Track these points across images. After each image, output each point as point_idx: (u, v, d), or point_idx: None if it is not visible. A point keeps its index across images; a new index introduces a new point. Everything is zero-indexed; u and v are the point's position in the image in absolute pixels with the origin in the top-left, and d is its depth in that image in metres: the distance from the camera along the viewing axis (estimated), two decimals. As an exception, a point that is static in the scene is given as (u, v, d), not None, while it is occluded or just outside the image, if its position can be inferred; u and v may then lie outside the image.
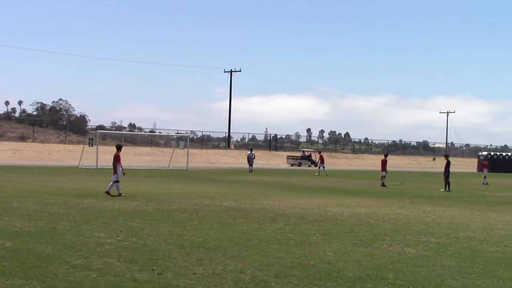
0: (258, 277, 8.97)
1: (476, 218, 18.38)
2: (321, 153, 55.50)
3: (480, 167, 79.56)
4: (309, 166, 73.78)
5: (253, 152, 54.97)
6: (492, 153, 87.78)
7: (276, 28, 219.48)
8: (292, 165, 75.34)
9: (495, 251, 12.19)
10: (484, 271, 9.96)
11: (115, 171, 22.59)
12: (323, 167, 51.78)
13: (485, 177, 43.30)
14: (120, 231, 13.14)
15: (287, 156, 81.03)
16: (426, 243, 12.84)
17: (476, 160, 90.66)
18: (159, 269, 9.26)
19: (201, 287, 8.30)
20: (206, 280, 8.69)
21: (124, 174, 23.32)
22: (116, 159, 22.82)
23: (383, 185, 34.75)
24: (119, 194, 22.13)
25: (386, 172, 35.67)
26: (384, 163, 35.64)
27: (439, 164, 47.00)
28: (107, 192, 22.21)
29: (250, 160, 52.51)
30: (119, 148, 23.72)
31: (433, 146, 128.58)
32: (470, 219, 18.17)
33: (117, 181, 22.47)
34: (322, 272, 9.46)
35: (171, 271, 9.20)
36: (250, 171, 50.59)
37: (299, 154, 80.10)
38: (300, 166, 74.19)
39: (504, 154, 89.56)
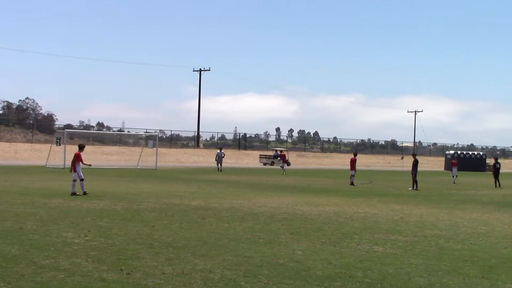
0: (227, 276, 8.97)
1: (443, 216, 18.59)
2: (283, 153, 55.63)
3: (449, 166, 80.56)
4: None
5: (222, 151, 54.82)
6: (459, 152, 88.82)
7: (243, 27, 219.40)
8: (265, 164, 75.41)
9: (462, 248, 12.34)
10: (451, 269, 10.08)
11: (74, 169, 22.33)
12: (282, 166, 52.06)
13: (455, 176, 43.46)
14: (88, 231, 13.04)
15: (259, 155, 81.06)
16: (394, 242, 12.95)
17: (443, 158, 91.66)
18: (127, 269, 9.21)
19: (170, 287, 8.28)
20: (175, 279, 8.66)
21: (90, 165, 23.10)
22: (77, 158, 22.52)
23: (352, 184, 34.96)
24: (73, 193, 21.90)
25: (355, 171, 35.93)
26: (353, 162, 35.88)
27: (407, 163, 47.29)
28: (74, 193, 21.97)
29: (219, 159, 52.37)
30: (81, 147, 23.48)
31: (401, 145, 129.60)
32: (437, 217, 18.38)
33: (81, 179, 22.20)
34: (291, 271, 9.49)
35: (139, 270, 9.16)
36: (220, 170, 50.50)
37: (271, 153, 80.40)
38: (273, 165, 74.36)
39: (470, 153, 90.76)
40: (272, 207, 19.83)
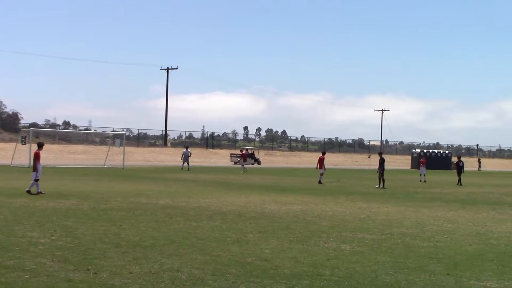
0: (195, 275, 8.95)
1: (410, 214, 18.75)
2: (244, 152, 55.71)
3: (416, 164, 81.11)
4: (252, 164, 74.73)
5: (189, 149, 54.46)
6: (425, 151, 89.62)
7: (209, 25, 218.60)
8: (235, 163, 75.78)
9: (428, 246, 12.47)
10: (417, 266, 10.18)
11: (34, 168, 22.05)
12: (243, 165, 52.10)
13: (424, 175, 43.42)
14: (54, 231, 12.90)
15: (230, 154, 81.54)
16: (361, 240, 13.03)
17: (410, 157, 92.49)
18: (94, 269, 9.13)
19: (137, 286, 8.23)
20: (142, 279, 8.61)
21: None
22: (36, 156, 22.27)
23: (319, 182, 35.09)
24: (39, 192, 21.62)
25: (324, 169, 36.07)
26: (321, 160, 36.00)
27: (374, 162, 47.54)
28: (28, 191, 21.66)
29: (185, 157, 52.05)
30: (40, 145, 23.27)
31: (368, 143, 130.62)
32: (404, 215, 18.54)
33: (36, 180, 21.89)
34: (259, 269, 9.49)
35: (106, 270, 9.08)
36: (188, 169, 50.24)
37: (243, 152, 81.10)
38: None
39: (436, 151, 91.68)
40: (240, 205, 19.83)
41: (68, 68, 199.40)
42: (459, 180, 39.81)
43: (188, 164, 51.64)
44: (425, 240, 13.26)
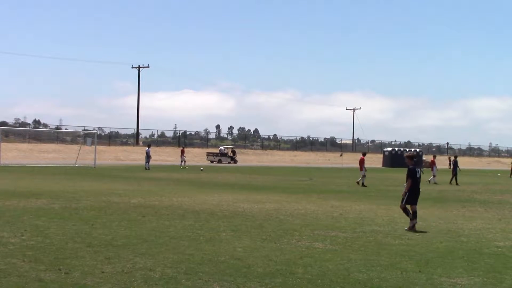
0: (168, 274, 8.92)
1: (381, 212, 18.89)
2: (148, 148, 55.63)
3: (388, 162, 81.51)
4: (229, 162, 75.26)
5: (150, 148, 53.62)
6: (396, 149, 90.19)
7: (175, 23, 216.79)
8: (212, 161, 76.23)
9: (399, 244, 12.56)
10: (389, 264, 10.25)
11: None
12: (147, 162, 51.82)
13: (434, 176, 39.64)
14: (25, 230, 12.77)
15: (207, 153, 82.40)
16: (334, 238, 13.09)
17: (381, 155, 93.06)
18: (66, 269, 9.06)
19: (109, 286, 8.18)
20: (114, 278, 8.57)
21: None
22: None
23: (363, 185, 33.21)
24: None
25: (365, 170, 34.08)
26: (362, 161, 34.38)
27: (346, 160, 47.93)
28: None
29: (148, 156, 51.38)
30: None
31: (340, 142, 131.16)
32: (375, 213, 18.67)
33: None
34: (232, 268, 9.50)
35: (78, 270, 9.02)
36: (145, 168, 49.54)
37: (218, 151, 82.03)
38: (220, 162, 75.30)
39: (407, 149, 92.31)
40: (213, 204, 19.81)
41: (34, 66, 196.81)
42: (454, 178, 38.36)
43: (148, 163, 50.92)
44: (396, 238, 13.37)
